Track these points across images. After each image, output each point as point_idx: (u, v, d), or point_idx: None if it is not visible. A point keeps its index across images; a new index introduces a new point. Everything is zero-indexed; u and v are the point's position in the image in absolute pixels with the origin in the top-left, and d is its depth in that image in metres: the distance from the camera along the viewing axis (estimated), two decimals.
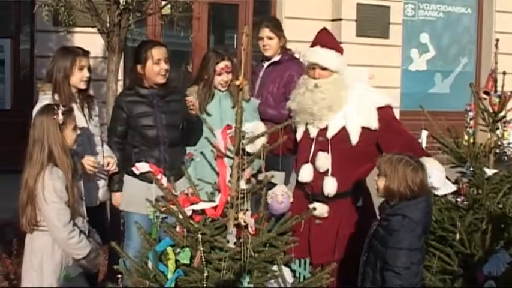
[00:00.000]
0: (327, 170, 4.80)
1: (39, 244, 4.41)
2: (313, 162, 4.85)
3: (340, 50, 4.92)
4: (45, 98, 5.05)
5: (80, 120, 5.07)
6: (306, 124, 4.93)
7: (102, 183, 5.29)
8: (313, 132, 4.90)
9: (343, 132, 4.79)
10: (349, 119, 4.79)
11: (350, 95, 4.83)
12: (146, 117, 5.33)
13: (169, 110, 5.39)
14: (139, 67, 5.39)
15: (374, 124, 4.77)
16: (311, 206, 4.78)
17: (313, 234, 4.83)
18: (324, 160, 4.81)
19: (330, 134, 4.83)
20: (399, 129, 4.90)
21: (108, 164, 5.29)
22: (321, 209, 4.73)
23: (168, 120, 5.36)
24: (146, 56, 5.33)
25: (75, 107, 5.08)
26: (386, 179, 4.04)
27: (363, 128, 4.77)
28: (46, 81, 5.17)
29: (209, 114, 5.52)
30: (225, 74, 5.52)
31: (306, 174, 4.88)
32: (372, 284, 4.08)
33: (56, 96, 5.05)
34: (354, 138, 4.77)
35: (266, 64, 6.41)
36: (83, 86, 5.15)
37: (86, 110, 5.21)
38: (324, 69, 4.84)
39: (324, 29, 5.11)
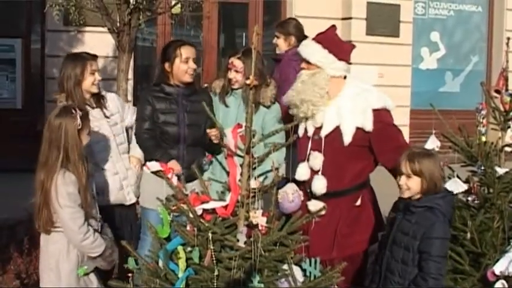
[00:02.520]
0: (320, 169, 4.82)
1: (55, 245, 4.41)
2: (308, 161, 4.88)
3: (328, 46, 4.83)
4: None
5: (102, 123, 5.13)
6: (306, 121, 4.93)
7: (133, 181, 5.33)
8: (310, 131, 4.92)
9: (337, 132, 4.79)
10: (343, 118, 4.78)
11: (341, 95, 4.83)
12: (169, 115, 5.33)
13: (193, 109, 5.37)
14: (166, 65, 5.38)
15: (368, 126, 4.74)
16: (309, 203, 4.81)
17: (311, 231, 4.84)
18: (317, 159, 4.82)
19: (323, 133, 4.84)
20: (392, 135, 4.84)
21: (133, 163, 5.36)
22: (317, 206, 4.73)
23: (191, 119, 5.35)
24: (175, 54, 5.34)
25: (94, 111, 5.09)
26: (422, 178, 4.13)
27: (357, 128, 4.76)
28: (60, 91, 5.17)
29: (227, 106, 5.53)
30: (232, 72, 5.48)
31: (302, 172, 4.91)
32: (401, 277, 4.15)
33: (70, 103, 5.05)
34: (347, 138, 4.76)
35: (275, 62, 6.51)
36: (95, 89, 5.14)
37: (104, 111, 5.21)
38: (307, 62, 4.86)
39: (331, 26, 5.11)
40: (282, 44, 6.57)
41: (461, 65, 14.72)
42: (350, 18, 12.86)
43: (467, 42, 14.76)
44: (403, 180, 4.21)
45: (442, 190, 4.21)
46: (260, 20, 12.74)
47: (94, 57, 5.22)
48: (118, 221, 5.21)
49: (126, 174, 5.28)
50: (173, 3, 8.22)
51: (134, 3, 6.71)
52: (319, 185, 4.78)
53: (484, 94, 5.22)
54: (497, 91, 5.21)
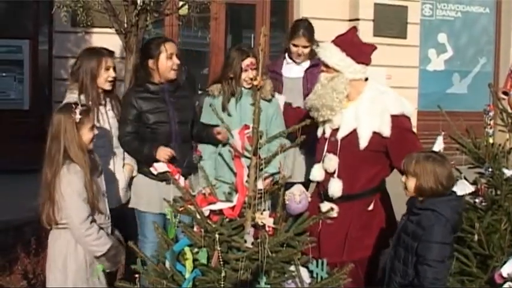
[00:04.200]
0: (335, 171, 4.80)
1: (62, 242, 4.44)
2: (323, 162, 4.87)
3: (346, 49, 4.83)
4: (71, 97, 5.10)
5: (105, 122, 5.13)
6: (324, 123, 4.93)
7: (122, 185, 5.31)
8: (328, 132, 4.91)
9: (353, 135, 4.79)
10: (361, 121, 4.77)
11: (360, 98, 4.83)
12: (159, 113, 5.32)
13: (180, 106, 5.42)
14: (151, 62, 5.38)
15: (386, 131, 4.73)
16: (321, 205, 4.80)
17: (322, 234, 4.83)
18: (332, 161, 4.81)
19: (340, 135, 4.83)
20: (409, 141, 4.82)
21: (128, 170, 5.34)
22: (325, 208, 4.73)
23: (180, 116, 5.38)
24: (159, 51, 5.35)
25: (102, 109, 5.14)
26: (416, 179, 4.12)
27: (374, 133, 4.75)
28: (73, 81, 5.20)
29: (229, 115, 5.52)
30: (250, 71, 5.49)
31: (316, 173, 4.92)
32: (402, 278, 4.14)
33: (82, 97, 5.09)
34: (363, 142, 4.75)
35: (303, 67, 6.32)
36: (108, 86, 5.19)
37: (111, 112, 5.23)
38: (326, 66, 4.85)
39: (351, 28, 5.11)
40: (308, 52, 6.32)
41: (468, 66, 14.67)
42: (357, 19, 12.83)
43: (474, 44, 14.71)
44: (403, 179, 4.24)
45: (447, 194, 4.14)
46: (267, 21, 12.73)
47: (110, 53, 5.28)
48: None
49: (114, 178, 5.24)
50: (180, 4, 8.22)
51: (141, 4, 6.71)
52: (336, 187, 4.77)
53: (492, 96, 5.21)
54: (505, 93, 5.21)
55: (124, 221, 5.32)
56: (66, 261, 4.41)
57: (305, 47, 6.28)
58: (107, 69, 5.14)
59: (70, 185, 4.31)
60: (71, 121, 4.36)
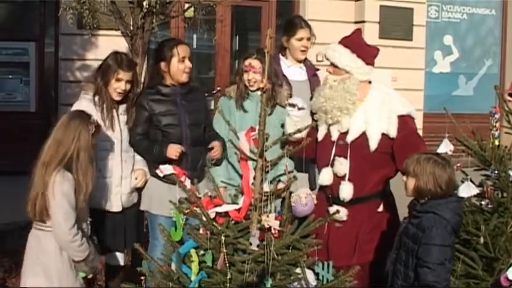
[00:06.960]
0: (345, 174, 4.79)
1: (47, 243, 4.47)
2: (332, 166, 4.85)
3: (357, 51, 4.85)
4: (85, 98, 5.16)
5: (115, 125, 5.16)
6: (329, 125, 4.92)
7: (125, 191, 5.30)
8: (335, 136, 4.89)
9: (363, 137, 4.78)
10: (370, 124, 4.77)
11: (367, 100, 4.83)
12: (170, 116, 5.33)
13: (192, 108, 5.41)
14: (163, 65, 5.39)
15: (393, 132, 4.75)
16: (330, 209, 4.78)
17: (332, 237, 4.83)
18: (342, 165, 4.79)
19: (350, 139, 4.82)
20: (414, 143, 4.82)
21: (136, 178, 5.34)
22: (339, 212, 4.72)
23: (192, 119, 5.37)
24: (172, 54, 5.35)
25: (113, 112, 5.17)
26: (415, 179, 4.12)
27: (383, 134, 4.75)
28: (90, 81, 5.25)
29: (245, 111, 5.49)
30: (250, 73, 5.44)
31: (325, 177, 4.89)
32: (404, 281, 4.15)
33: (96, 98, 5.12)
34: (373, 144, 4.76)
35: (303, 69, 6.20)
36: (116, 97, 5.18)
37: (122, 117, 5.26)
38: (335, 66, 4.84)
39: (356, 29, 5.11)
40: (310, 45, 6.19)
41: (474, 68, 14.64)
42: (363, 21, 12.82)
43: (480, 46, 14.68)
44: (404, 178, 4.25)
45: (447, 196, 4.14)
46: (273, 23, 12.73)
47: (130, 66, 5.24)
48: (110, 226, 5.24)
49: (119, 182, 5.23)
50: (186, 6, 8.23)
51: (147, 6, 6.72)
52: (347, 191, 4.76)
53: (498, 98, 5.19)
54: (511, 94, 5.18)
55: (128, 225, 5.35)
56: (51, 262, 4.46)
57: (308, 39, 6.14)
58: (118, 80, 5.13)
59: (61, 192, 4.35)
60: (87, 129, 4.44)
